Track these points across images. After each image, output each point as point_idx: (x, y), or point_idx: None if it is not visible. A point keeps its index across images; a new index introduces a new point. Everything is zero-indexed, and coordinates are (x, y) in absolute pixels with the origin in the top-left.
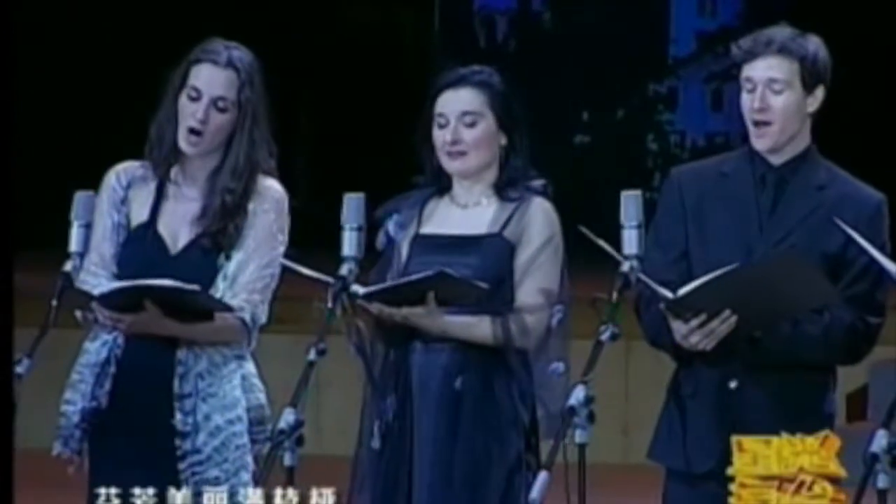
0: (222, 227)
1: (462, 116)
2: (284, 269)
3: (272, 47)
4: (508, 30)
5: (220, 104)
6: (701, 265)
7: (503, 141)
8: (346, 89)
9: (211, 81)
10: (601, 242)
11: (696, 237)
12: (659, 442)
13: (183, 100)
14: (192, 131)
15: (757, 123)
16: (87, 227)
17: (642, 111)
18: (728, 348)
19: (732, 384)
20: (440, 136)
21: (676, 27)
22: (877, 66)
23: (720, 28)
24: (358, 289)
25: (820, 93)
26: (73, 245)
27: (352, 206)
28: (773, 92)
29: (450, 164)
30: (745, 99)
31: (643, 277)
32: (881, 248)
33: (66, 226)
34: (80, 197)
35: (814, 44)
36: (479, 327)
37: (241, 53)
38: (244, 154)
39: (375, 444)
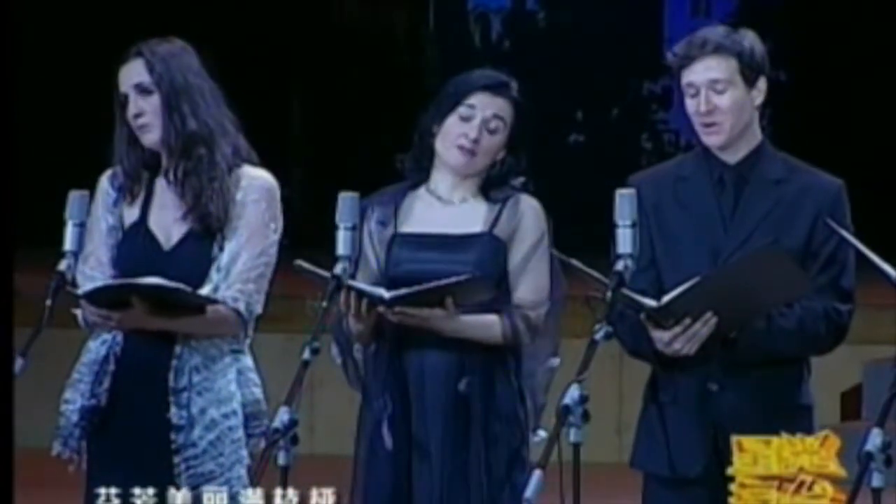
0: (203, 206)
1: (491, 119)
2: (281, 261)
3: (266, 47)
4: (503, 29)
5: (142, 90)
6: (669, 272)
7: (502, 154)
8: (340, 88)
9: (126, 77)
10: (576, 263)
11: (661, 244)
12: (640, 449)
13: (126, 112)
14: (140, 128)
15: (706, 125)
16: (82, 226)
17: (636, 110)
18: (705, 351)
19: (713, 387)
20: (459, 127)
21: (670, 26)
22: (870, 61)
23: None
24: (382, 293)
25: (762, 84)
26: (68, 244)
27: (346, 205)
28: (717, 92)
29: (459, 159)
30: (690, 104)
31: (626, 291)
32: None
33: (64, 226)
34: (74, 196)
35: (748, 38)
36: (490, 327)
37: (150, 43)
38: (172, 129)
39: (388, 444)
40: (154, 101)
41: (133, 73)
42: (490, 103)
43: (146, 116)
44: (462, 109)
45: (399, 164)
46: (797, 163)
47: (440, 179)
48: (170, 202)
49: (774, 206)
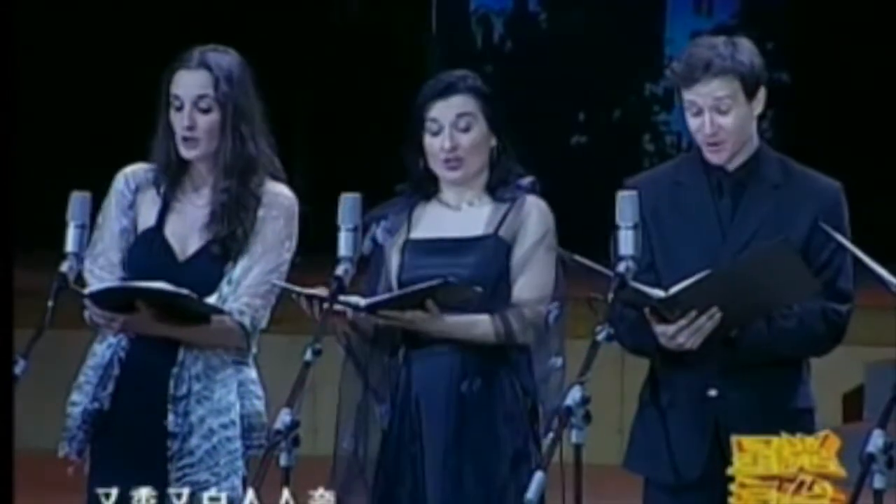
0: (231, 231)
1: (457, 121)
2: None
3: (268, 49)
4: (505, 30)
5: (202, 105)
6: (668, 277)
7: (493, 143)
8: (342, 90)
9: (186, 85)
10: (588, 262)
11: (659, 249)
12: (636, 452)
13: (172, 112)
14: (185, 139)
15: (710, 143)
16: (83, 227)
17: (638, 111)
18: (705, 351)
19: (712, 392)
20: (435, 143)
21: (672, 27)
22: (872, 62)
23: (716, 28)
24: (359, 301)
25: (762, 94)
26: (70, 246)
27: (348, 206)
28: (721, 113)
29: (447, 174)
30: (692, 122)
31: (632, 283)
32: (843, 236)
33: (66, 226)
34: (75, 198)
35: (747, 52)
36: (480, 326)
37: (215, 54)
38: (230, 151)
39: (348, 445)
40: (211, 119)
41: (196, 83)
42: (448, 107)
43: (197, 131)
44: (428, 126)
45: (400, 193)
46: (795, 166)
47: (446, 189)
48: (189, 213)
49: (773, 210)
